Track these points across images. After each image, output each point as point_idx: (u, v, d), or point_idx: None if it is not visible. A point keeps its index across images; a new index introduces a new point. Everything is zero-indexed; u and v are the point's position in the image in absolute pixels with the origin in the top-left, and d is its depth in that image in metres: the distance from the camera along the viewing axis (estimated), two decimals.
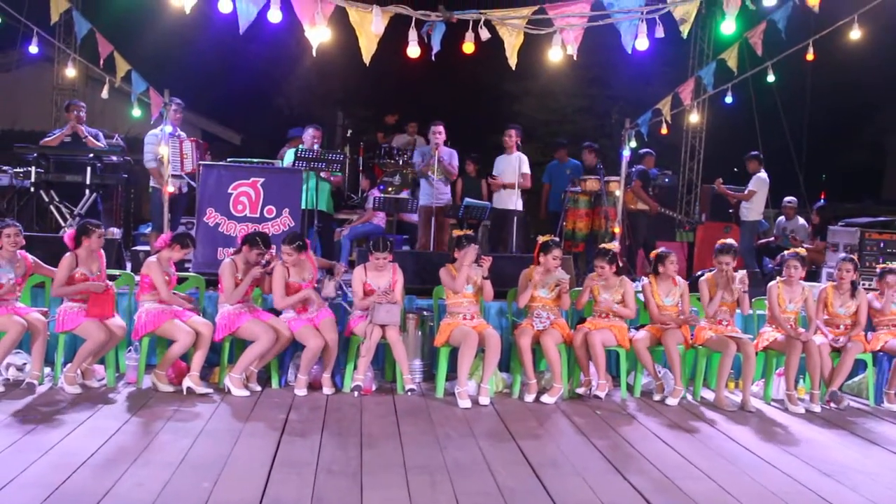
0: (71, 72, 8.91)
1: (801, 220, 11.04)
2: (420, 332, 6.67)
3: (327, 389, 6.06)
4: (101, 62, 7.15)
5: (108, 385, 5.99)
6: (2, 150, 10.42)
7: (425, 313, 6.78)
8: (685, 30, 5.73)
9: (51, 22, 6.51)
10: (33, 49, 6.93)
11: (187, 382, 5.83)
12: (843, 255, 6.87)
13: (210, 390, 5.92)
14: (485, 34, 5.69)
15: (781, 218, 11.17)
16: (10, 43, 9.18)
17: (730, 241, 6.83)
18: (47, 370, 6.02)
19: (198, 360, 5.93)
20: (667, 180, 11.57)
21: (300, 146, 8.57)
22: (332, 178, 8.87)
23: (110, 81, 7.35)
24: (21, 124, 13.26)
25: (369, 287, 6.26)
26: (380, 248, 6.21)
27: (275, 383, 6.24)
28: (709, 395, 6.58)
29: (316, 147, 8.50)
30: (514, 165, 9.06)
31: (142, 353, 6.04)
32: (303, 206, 7.92)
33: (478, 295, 6.36)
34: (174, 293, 6.20)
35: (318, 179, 8.37)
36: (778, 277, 6.78)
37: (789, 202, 11.07)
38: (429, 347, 6.66)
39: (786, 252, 6.88)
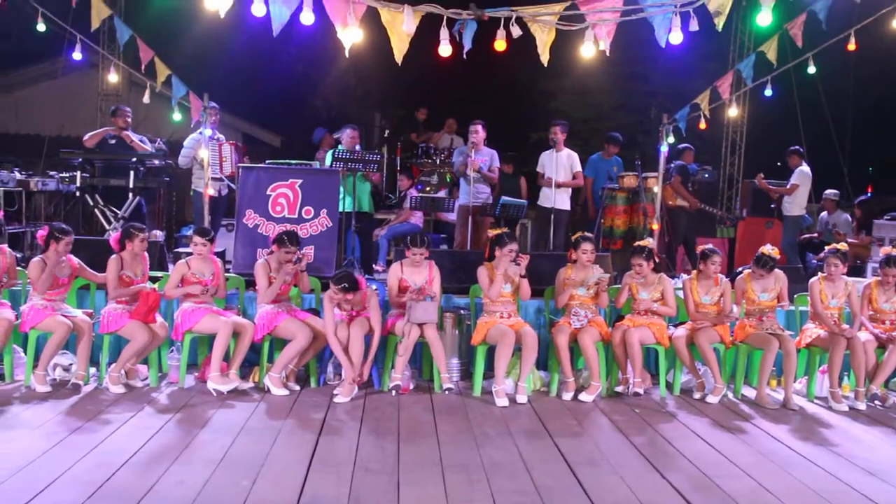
0: (114, 77, 9.14)
1: (845, 215, 10.82)
2: (457, 331, 6.68)
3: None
4: (143, 67, 7.30)
5: (152, 385, 6.11)
6: (49, 156, 10.70)
7: (462, 312, 6.79)
8: (720, 23, 5.65)
9: (91, 29, 6.66)
10: (77, 56, 7.10)
11: (210, 384, 5.89)
12: (885, 254, 6.70)
13: (250, 384, 6.04)
14: (516, 31, 5.67)
15: (824, 213, 10.96)
16: (56, 51, 9.39)
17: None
18: (92, 370, 6.16)
19: (237, 359, 6.02)
20: (707, 175, 11.42)
21: (339, 146, 8.64)
22: (371, 176, 8.93)
23: (151, 86, 7.50)
24: (68, 130, 13.56)
25: (406, 283, 6.29)
26: (417, 243, 6.26)
27: (313, 382, 6.30)
28: (750, 392, 6.48)
29: (357, 147, 8.56)
30: (563, 163, 9.01)
31: (183, 353, 6.14)
32: (342, 208, 8.00)
33: (515, 294, 6.35)
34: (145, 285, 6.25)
35: (354, 180, 8.43)
36: (819, 273, 6.66)
37: (832, 195, 10.85)
38: (466, 346, 6.66)
39: (827, 248, 6.75)
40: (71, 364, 6.18)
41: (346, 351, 5.96)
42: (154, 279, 6.47)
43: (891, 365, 6.35)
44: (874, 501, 4.10)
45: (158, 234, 8.79)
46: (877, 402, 6.31)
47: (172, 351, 6.47)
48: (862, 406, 6.22)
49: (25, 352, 6.13)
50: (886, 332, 6.50)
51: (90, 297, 6.66)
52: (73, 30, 7.02)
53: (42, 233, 6.11)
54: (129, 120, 8.87)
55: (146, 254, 6.36)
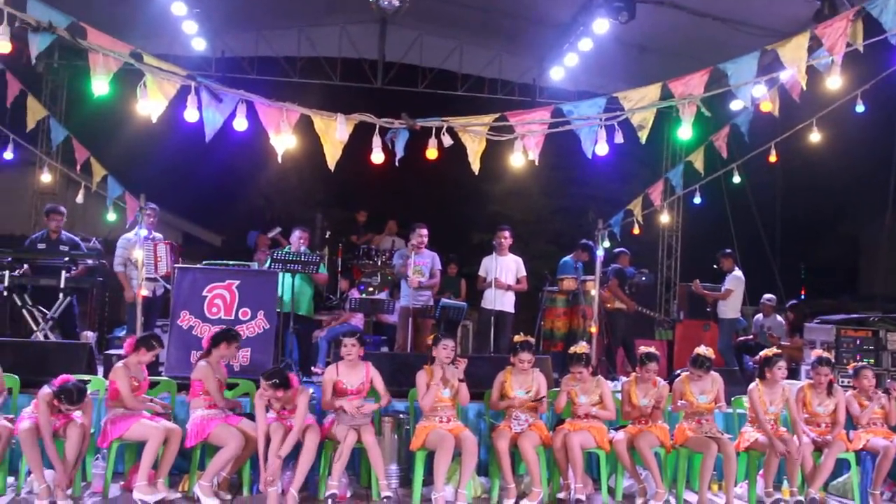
0: (47, 177, 9.00)
1: (779, 318, 11.09)
2: (396, 436, 6.54)
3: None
4: (79, 167, 7.24)
5: (75, 494, 5.78)
6: None
7: (401, 416, 6.67)
8: (643, 136, 5.87)
9: (27, 129, 6.62)
10: (8, 155, 7.02)
11: (136, 494, 5.61)
12: (815, 356, 6.85)
13: (178, 494, 5.76)
14: (447, 140, 5.80)
15: (759, 315, 11.22)
16: None
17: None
18: (10, 480, 5.84)
19: (164, 466, 5.77)
20: (644, 279, 11.64)
21: (286, 248, 8.60)
22: (317, 278, 8.88)
23: (86, 186, 7.42)
24: (1, 228, 13.27)
25: (341, 385, 6.18)
26: (349, 335, 6.29)
27: (246, 491, 6.05)
28: (692, 497, 6.43)
29: (303, 248, 8.55)
30: (510, 267, 9.13)
31: (109, 461, 5.86)
32: (279, 309, 7.89)
33: (454, 398, 6.27)
34: (146, 398, 6.09)
35: (300, 281, 8.36)
36: (758, 380, 6.70)
37: (768, 300, 11.15)
38: (405, 451, 6.50)
39: (766, 351, 6.82)
40: None
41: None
42: (84, 382, 6.21)
43: (827, 468, 6.40)
44: None
45: (90, 336, 8.54)
46: None
47: (98, 458, 6.17)
48: None
49: None
50: (821, 434, 6.58)
51: (12, 401, 6.36)
52: (8, 129, 6.97)
53: None
54: (63, 220, 8.73)
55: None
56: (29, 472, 5.75)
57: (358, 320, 10.05)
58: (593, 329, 8.50)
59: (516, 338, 6.57)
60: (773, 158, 7.28)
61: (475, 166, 6.04)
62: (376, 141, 5.77)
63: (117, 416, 5.85)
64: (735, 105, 8.09)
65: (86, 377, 6.46)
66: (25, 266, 8.45)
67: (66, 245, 8.70)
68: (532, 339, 6.63)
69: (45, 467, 5.61)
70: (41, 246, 8.62)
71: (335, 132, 5.60)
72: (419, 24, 12.54)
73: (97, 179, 7.44)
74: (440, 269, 9.23)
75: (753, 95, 6.06)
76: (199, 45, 11.92)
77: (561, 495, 6.24)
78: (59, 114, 12.41)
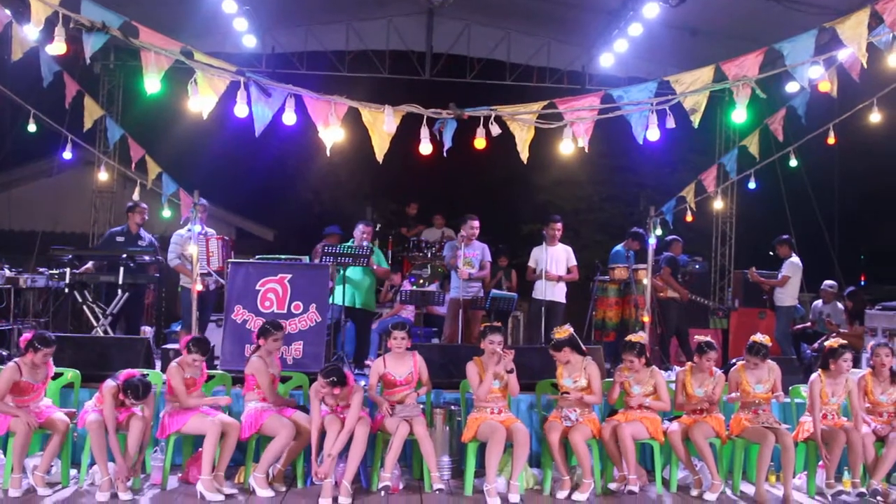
0: (104, 175, 9.21)
1: (839, 305, 10.78)
2: (448, 427, 6.54)
3: (344, 499, 5.74)
4: (133, 165, 7.39)
5: (134, 486, 5.91)
6: (42, 252, 10.71)
7: (453, 408, 6.67)
8: (696, 119, 5.75)
9: (84, 129, 6.77)
10: (67, 155, 7.20)
11: (200, 487, 5.72)
12: (875, 340, 6.65)
13: (234, 491, 5.84)
14: (496, 130, 5.76)
15: (818, 302, 10.93)
16: (52, 149, 9.55)
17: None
18: (73, 472, 6.01)
19: (223, 460, 5.87)
20: (697, 267, 11.44)
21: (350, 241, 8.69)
22: (377, 270, 8.93)
23: (141, 184, 7.56)
24: (62, 226, 13.64)
25: (389, 377, 6.24)
26: (398, 327, 6.36)
27: (300, 483, 6.12)
28: (749, 489, 6.31)
29: (365, 244, 8.62)
30: (560, 257, 9.11)
31: (167, 453, 5.99)
32: (339, 302, 7.99)
33: (505, 389, 6.25)
34: (201, 394, 6.20)
35: (361, 274, 8.44)
36: (820, 370, 6.52)
37: (829, 286, 10.84)
38: (457, 443, 6.51)
39: (831, 341, 6.61)
40: (52, 466, 6.01)
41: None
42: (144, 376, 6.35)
43: (891, 459, 6.21)
44: None
45: (147, 331, 8.72)
46: (878, 497, 6.13)
47: (156, 451, 6.30)
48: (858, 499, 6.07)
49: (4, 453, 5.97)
50: (884, 424, 6.39)
51: (74, 394, 6.53)
52: (67, 130, 7.15)
53: (25, 337, 6.00)
54: (146, 217, 8.96)
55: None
56: (91, 464, 5.90)
57: (409, 312, 10.09)
58: (646, 318, 8.39)
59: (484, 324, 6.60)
60: (831, 140, 7.07)
61: (524, 155, 5.99)
62: (424, 132, 5.77)
63: (175, 410, 5.98)
64: (790, 87, 7.89)
65: (144, 371, 6.61)
66: (90, 263, 8.68)
67: (143, 241, 8.93)
68: (498, 324, 6.57)
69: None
70: (120, 240, 8.90)
71: (383, 124, 5.61)
72: (466, 15, 12.48)
73: (152, 177, 7.59)
74: (490, 261, 9.21)
75: (810, 76, 5.90)
76: (250, 42, 12.05)
77: (613, 486, 6.19)
78: (116, 113, 12.71)
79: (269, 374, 6.18)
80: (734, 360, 7.11)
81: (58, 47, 5.15)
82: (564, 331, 6.44)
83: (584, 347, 6.49)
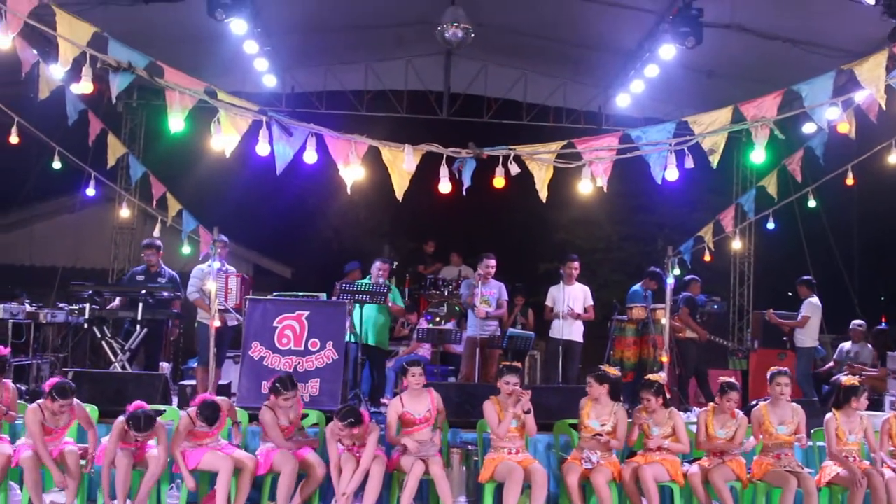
0: (125, 212, 9.31)
1: (869, 346, 10.54)
2: (465, 467, 6.48)
3: None
4: (154, 202, 7.48)
5: None
6: (62, 288, 10.81)
7: (470, 447, 6.62)
8: (714, 160, 5.76)
9: (107, 166, 6.87)
10: (91, 192, 7.29)
11: None
12: None
13: None
14: (514, 169, 5.78)
15: (846, 344, 10.68)
16: (74, 186, 9.70)
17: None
18: None
19: (239, 498, 5.84)
20: (716, 307, 11.35)
21: (363, 279, 8.70)
22: (392, 308, 8.95)
23: (162, 221, 7.64)
24: (82, 262, 13.77)
25: (408, 416, 6.20)
26: (414, 364, 6.35)
27: None
28: None
29: (381, 280, 8.62)
30: (577, 296, 9.10)
31: (182, 490, 5.96)
32: (354, 340, 8.04)
33: (522, 429, 6.20)
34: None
35: (375, 312, 8.48)
36: (833, 409, 6.44)
37: (858, 325, 10.62)
38: (474, 483, 6.44)
39: (847, 379, 6.54)
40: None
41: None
42: (158, 413, 6.34)
43: None
44: None
45: (165, 367, 8.75)
46: None
47: (172, 488, 6.28)
48: None
49: (21, 488, 5.96)
50: None
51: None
52: (90, 167, 7.26)
53: (50, 382, 6.00)
54: (159, 254, 9.03)
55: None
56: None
57: (426, 350, 10.08)
58: (664, 359, 8.32)
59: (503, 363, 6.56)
60: (849, 181, 7.06)
61: (542, 194, 6.01)
62: (443, 171, 5.80)
63: (189, 447, 5.96)
64: (807, 128, 7.90)
65: (161, 407, 6.62)
66: (117, 300, 8.73)
67: (164, 277, 8.99)
68: (518, 365, 6.58)
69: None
70: (140, 278, 8.92)
71: (403, 163, 5.65)
72: (483, 55, 12.62)
73: (173, 214, 7.68)
74: (506, 300, 9.20)
75: (828, 117, 5.91)
76: (270, 81, 12.23)
77: None
78: (138, 151, 12.88)
79: (280, 425, 6.13)
80: (755, 402, 7.02)
81: (85, 86, 5.24)
82: (659, 376, 6.52)
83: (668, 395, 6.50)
